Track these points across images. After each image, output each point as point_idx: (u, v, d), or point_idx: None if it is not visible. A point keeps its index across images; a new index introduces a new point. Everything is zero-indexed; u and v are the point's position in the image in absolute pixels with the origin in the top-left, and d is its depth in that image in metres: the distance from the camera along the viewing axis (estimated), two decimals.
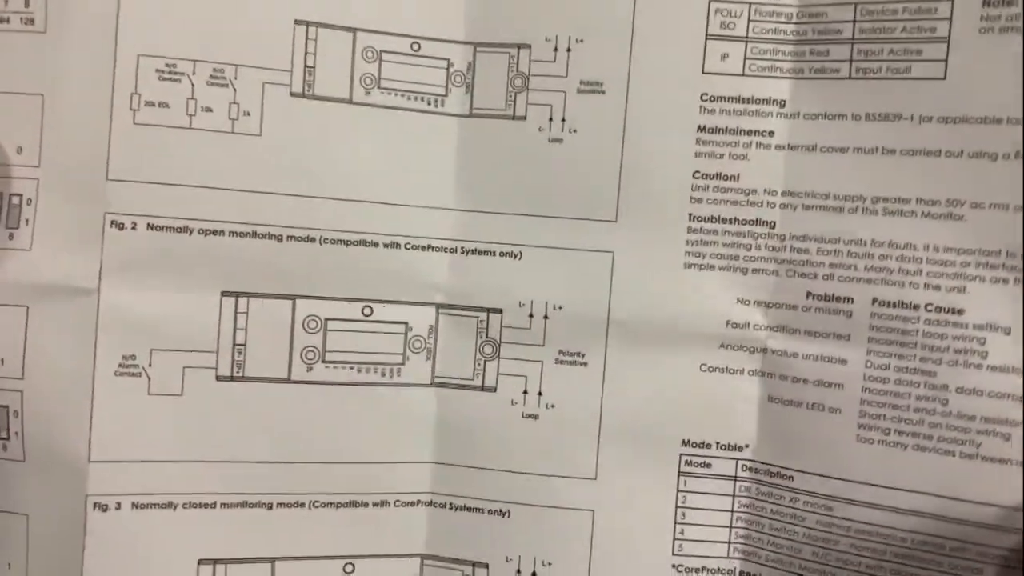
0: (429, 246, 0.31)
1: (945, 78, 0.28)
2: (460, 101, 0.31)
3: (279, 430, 0.31)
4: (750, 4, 0.30)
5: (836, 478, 0.29)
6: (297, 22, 0.30)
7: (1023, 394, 0.27)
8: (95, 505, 0.30)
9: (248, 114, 0.30)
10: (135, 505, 0.30)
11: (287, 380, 0.31)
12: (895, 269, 0.29)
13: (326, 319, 0.31)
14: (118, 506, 0.30)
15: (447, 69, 0.31)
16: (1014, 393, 0.27)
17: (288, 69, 0.30)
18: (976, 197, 0.28)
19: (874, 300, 0.29)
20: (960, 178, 0.28)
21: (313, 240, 0.30)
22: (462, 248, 0.31)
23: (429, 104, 0.31)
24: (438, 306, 0.32)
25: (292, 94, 0.30)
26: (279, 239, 0.30)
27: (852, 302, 0.29)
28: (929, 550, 0.28)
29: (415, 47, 0.31)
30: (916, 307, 0.28)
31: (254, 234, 0.30)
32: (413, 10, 0.31)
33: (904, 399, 0.28)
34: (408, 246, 0.31)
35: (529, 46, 0.31)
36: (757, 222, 0.30)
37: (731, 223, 0.31)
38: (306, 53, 0.30)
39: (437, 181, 0.31)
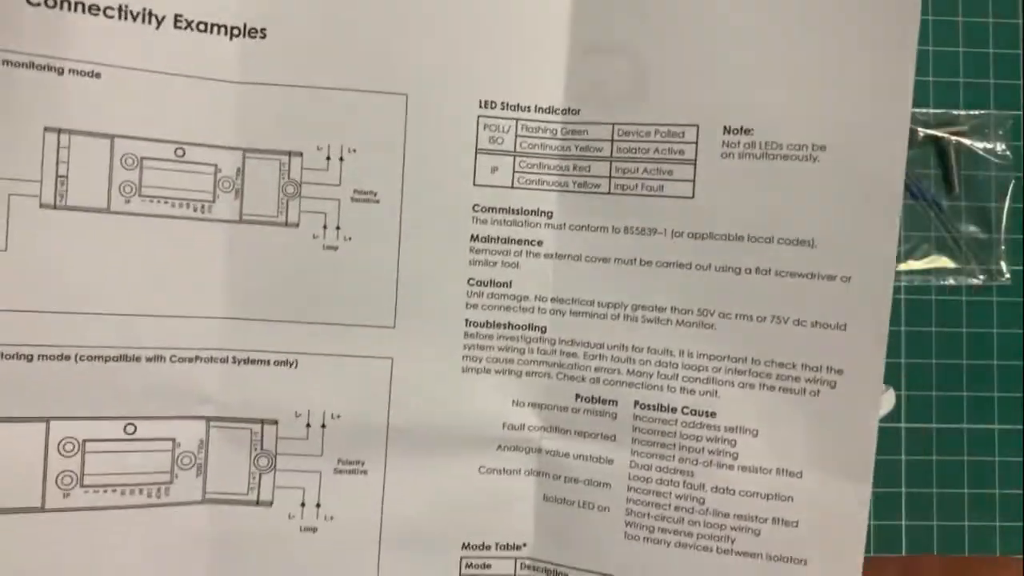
0: (197, 357, 0.30)
1: (693, 197, 0.30)
2: (229, 207, 0.30)
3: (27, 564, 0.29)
4: (517, 120, 0.31)
5: (606, 574, 0.30)
6: (47, 129, 0.28)
7: (770, 492, 0.29)
8: None
9: None
10: None
11: (41, 509, 0.29)
12: (654, 373, 0.30)
13: (84, 440, 0.29)
14: None
15: (214, 175, 0.30)
16: (762, 491, 0.29)
17: (38, 179, 0.28)
18: (723, 308, 0.30)
19: (636, 403, 0.30)
20: (709, 290, 0.30)
21: (68, 358, 0.29)
22: (233, 358, 0.30)
23: (195, 211, 0.30)
24: (208, 419, 0.30)
25: (42, 205, 0.28)
26: (29, 359, 0.28)
27: (616, 404, 0.31)
28: None
29: (179, 153, 0.30)
30: (674, 410, 0.30)
31: (1, 355, 0.28)
32: (178, 115, 0.30)
33: (665, 498, 0.30)
34: (174, 359, 0.30)
35: (301, 154, 0.30)
36: (529, 327, 0.31)
37: (505, 328, 0.31)
38: (58, 162, 0.29)
39: (205, 289, 0.30)
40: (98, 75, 0.29)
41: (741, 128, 0.29)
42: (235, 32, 0.30)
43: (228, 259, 0.30)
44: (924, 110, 0.38)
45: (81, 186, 0.29)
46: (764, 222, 0.29)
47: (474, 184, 0.31)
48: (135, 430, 0.30)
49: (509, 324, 0.31)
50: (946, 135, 0.38)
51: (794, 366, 0.29)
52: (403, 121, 0.31)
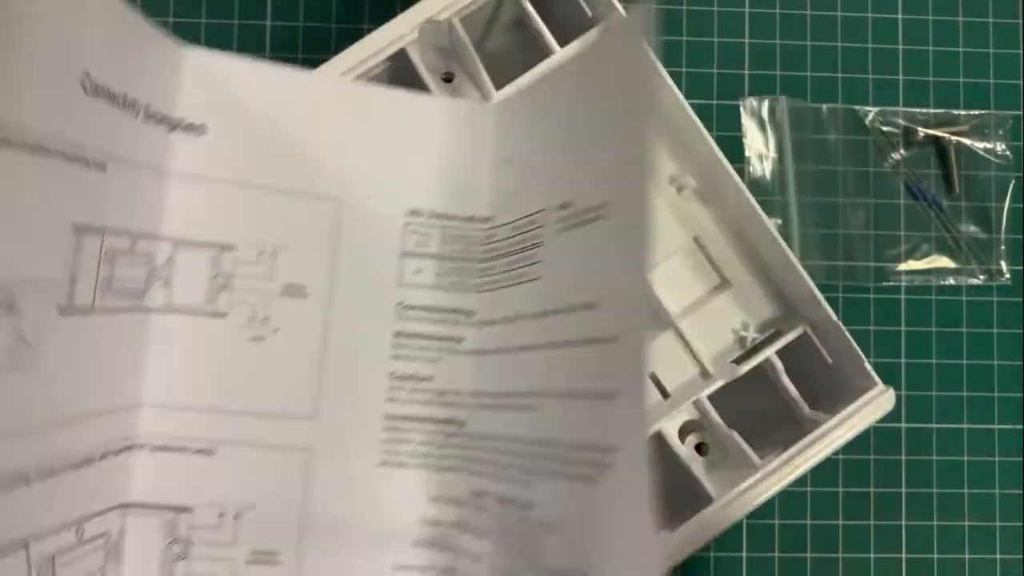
0: (123, 448, 0.30)
1: (541, 278, 0.31)
2: (159, 296, 0.31)
3: None
4: (443, 228, 0.33)
5: None
6: None
7: None
8: None
9: None
10: None
11: None
12: (508, 464, 0.30)
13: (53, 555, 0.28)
14: None
15: (148, 264, 0.31)
16: None
17: None
18: (545, 388, 0.29)
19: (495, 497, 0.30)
20: (536, 371, 0.29)
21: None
22: (151, 445, 0.31)
23: (129, 300, 0.31)
24: (124, 506, 0.30)
25: None
26: None
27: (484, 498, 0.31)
28: None
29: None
30: (509, 501, 0.29)
31: None
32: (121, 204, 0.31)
33: None
34: (105, 455, 0.30)
35: (234, 247, 0.32)
36: (448, 421, 0.33)
37: (425, 422, 0.32)
38: None
39: (126, 378, 0.30)
40: None
41: (565, 203, 0.30)
42: (175, 125, 0.31)
43: (152, 348, 0.31)
44: (924, 110, 0.39)
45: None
46: (572, 289, 0.29)
47: (399, 284, 0.33)
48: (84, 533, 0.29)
49: (429, 418, 0.32)
50: (946, 135, 0.39)
51: (578, 448, 0.26)
52: (336, 224, 0.32)
